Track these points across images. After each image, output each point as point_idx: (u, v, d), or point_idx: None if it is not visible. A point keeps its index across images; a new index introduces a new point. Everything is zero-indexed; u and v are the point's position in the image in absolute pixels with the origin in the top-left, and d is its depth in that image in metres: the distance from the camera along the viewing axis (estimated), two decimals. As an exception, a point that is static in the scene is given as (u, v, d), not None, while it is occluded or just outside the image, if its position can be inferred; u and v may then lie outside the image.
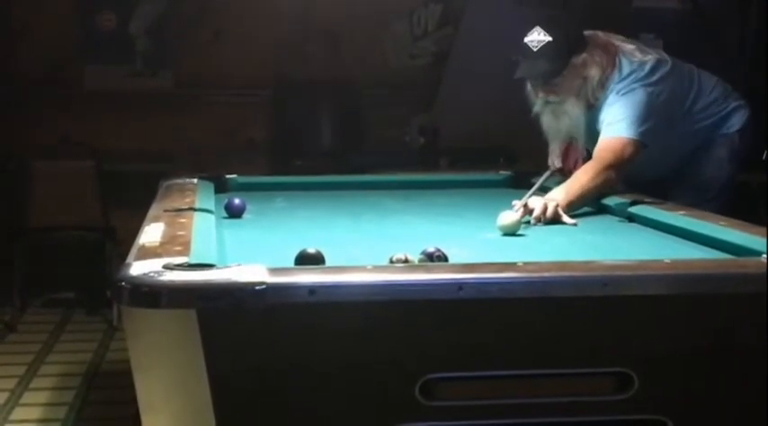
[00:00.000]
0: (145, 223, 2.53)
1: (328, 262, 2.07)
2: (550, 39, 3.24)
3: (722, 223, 2.52)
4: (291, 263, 2.06)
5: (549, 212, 2.87)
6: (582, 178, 3.10)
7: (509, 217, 2.72)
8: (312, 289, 1.80)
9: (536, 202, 2.91)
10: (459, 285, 1.84)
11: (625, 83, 3.29)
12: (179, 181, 3.45)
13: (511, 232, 2.69)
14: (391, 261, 2.08)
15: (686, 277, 1.96)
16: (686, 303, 1.92)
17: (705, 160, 3.53)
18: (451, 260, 2.13)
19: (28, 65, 5.90)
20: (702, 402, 1.96)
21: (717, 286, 1.94)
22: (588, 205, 3.11)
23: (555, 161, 3.47)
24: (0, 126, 5.67)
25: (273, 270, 1.84)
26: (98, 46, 6.04)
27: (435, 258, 2.11)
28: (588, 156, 3.35)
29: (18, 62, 5.92)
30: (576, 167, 3.46)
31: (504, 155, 5.45)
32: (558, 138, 3.44)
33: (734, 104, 3.57)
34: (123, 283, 1.84)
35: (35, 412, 4.01)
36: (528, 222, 2.84)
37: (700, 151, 3.53)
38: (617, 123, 3.22)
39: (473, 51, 5.99)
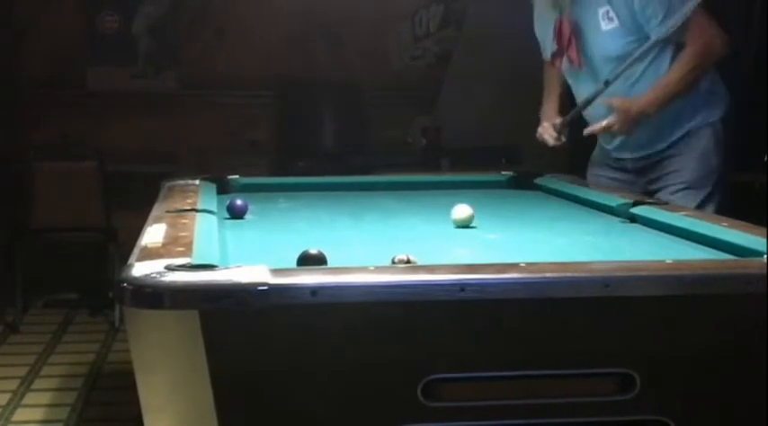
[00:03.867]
0: (147, 224, 2.53)
1: (330, 263, 2.07)
2: None
3: (724, 224, 2.51)
4: (293, 264, 2.06)
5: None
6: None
7: (463, 210, 2.81)
8: (314, 290, 1.80)
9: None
10: (461, 286, 1.84)
11: None
12: (181, 182, 3.46)
13: (464, 225, 2.79)
14: (393, 262, 2.08)
15: (688, 278, 1.95)
16: (688, 304, 1.92)
17: (690, 154, 3.52)
18: (454, 260, 2.12)
19: (31, 66, 5.92)
20: (705, 403, 1.96)
21: (719, 287, 1.94)
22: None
23: (547, 49, 3.59)
24: (3, 126, 5.68)
25: (276, 271, 1.84)
26: (101, 47, 6.05)
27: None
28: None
29: (21, 63, 5.93)
30: (569, 45, 3.51)
31: (506, 156, 5.45)
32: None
33: (720, 88, 3.57)
34: (126, 284, 1.84)
35: (37, 413, 4.01)
36: None
37: (682, 145, 3.53)
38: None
39: (475, 52, 5.99)
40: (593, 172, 3.79)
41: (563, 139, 3.61)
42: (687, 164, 3.51)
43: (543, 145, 3.68)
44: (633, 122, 3.39)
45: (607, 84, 3.40)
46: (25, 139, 5.84)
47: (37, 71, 5.91)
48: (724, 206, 3.40)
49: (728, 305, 1.93)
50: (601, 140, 3.70)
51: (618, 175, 3.67)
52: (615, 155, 3.67)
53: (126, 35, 6.07)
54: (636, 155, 3.59)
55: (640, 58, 3.36)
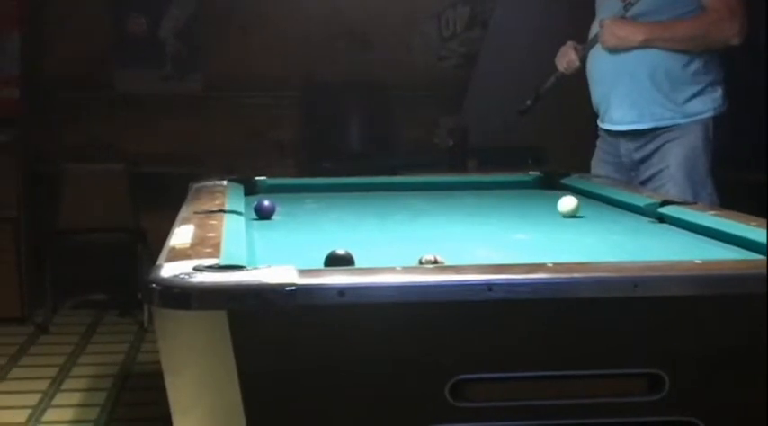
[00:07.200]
0: (175, 225, 2.54)
1: (358, 264, 2.08)
2: None
3: (753, 223, 2.50)
4: (321, 265, 2.06)
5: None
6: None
7: (569, 202, 2.95)
8: (342, 291, 1.80)
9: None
10: (489, 286, 1.84)
11: None
12: (209, 183, 3.47)
13: (571, 215, 2.94)
14: (421, 263, 2.07)
15: (717, 277, 1.94)
16: (717, 304, 1.91)
17: (678, 149, 3.55)
18: (481, 261, 2.12)
19: (59, 68, 5.95)
20: (734, 403, 1.95)
21: (748, 286, 1.92)
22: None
23: None
24: (32, 129, 5.72)
25: (303, 272, 1.84)
26: (128, 50, 6.09)
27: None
28: None
29: (50, 65, 5.97)
30: None
31: (533, 156, 5.44)
32: None
33: (720, 86, 3.60)
34: (154, 285, 1.85)
35: (67, 413, 4.04)
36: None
37: (671, 142, 3.58)
38: None
39: (502, 52, 5.98)
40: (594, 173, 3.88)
41: (578, 64, 3.84)
42: (674, 161, 3.55)
43: (555, 67, 3.90)
44: (619, 31, 3.61)
45: (627, 7, 3.58)
46: (54, 141, 5.88)
47: (65, 73, 5.95)
48: (726, 205, 3.41)
49: (758, 304, 1.92)
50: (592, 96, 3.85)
51: (616, 176, 3.75)
52: (606, 127, 3.75)
53: (153, 37, 6.10)
54: (624, 127, 3.68)
55: None
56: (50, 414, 4.03)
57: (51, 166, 5.59)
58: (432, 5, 6.25)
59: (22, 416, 3.96)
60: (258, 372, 1.81)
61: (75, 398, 4.24)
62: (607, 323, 1.90)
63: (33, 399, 4.17)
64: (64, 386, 4.39)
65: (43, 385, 4.37)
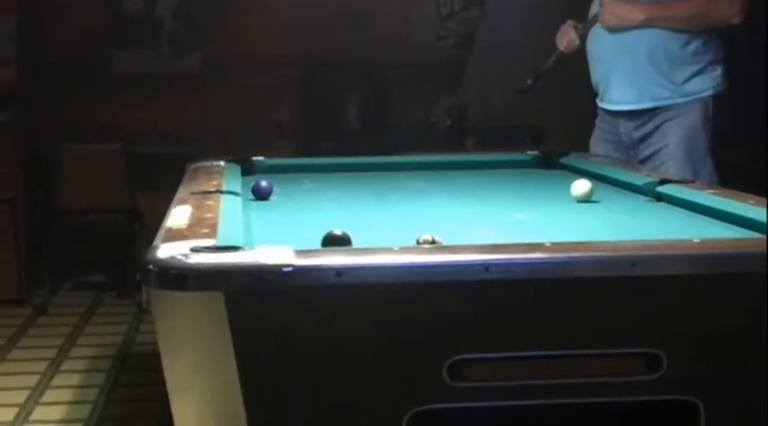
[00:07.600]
0: (172, 205, 2.54)
1: (355, 244, 2.07)
2: None
3: (751, 201, 2.49)
4: (318, 245, 2.06)
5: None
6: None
7: (582, 186, 2.83)
8: (339, 271, 1.80)
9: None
10: (486, 266, 1.84)
11: None
12: (206, 163, 3.46)
13: (585, 199, 2.82)
14: (418, 243, 2.07)
15: (715, 256, 1.94)
16: (715, 283, 1.91)
17: (677, 128, 3.55)
18: (479, 241, 2.11)
19: (57, 49, 5.93)
20: (734, 383, 1.95)
21: (747, 265, 1.92)
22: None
23: None
24: (30, 109, 5.71)
25: (300, 252, 1.84)
26: (125, 30, 6.06)
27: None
28: None
29: (48, 46, 5.95)
30: None
31: (532, 135, 5.43)
32: None
33: (720, 65, 3.58)
34: (151, 266, 1.84)
35: (66, 395, 4.05)
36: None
37: (671, 122, 3.58)
38: None
39: (500, 31, 5.96)
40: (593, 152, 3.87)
41: (578, 43, 3.83)
42: (673, 140, 3.55)
43: (555, 46, 3.90)
44: (619, 10, 3.62)
45: None
46: (52, 122, 5.87)
47: (63, 53, 5.93)
48: (726, 185, 3.41)
49: (757, 283, 1.91)
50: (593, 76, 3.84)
51: (615, 155, 3.74)
52: (605, 106, 3.75)
53: (150, 17, 6.07)
54: (623, 107, 3.68)
55: None
56: (49, 395, 4.04)
57: (49, 147, 5.59)
58: (430, -16, 6.23)
59: (20, 397, 3.97)
60: (255, 353, 1.81)
61: (74, 379, 4.24)
62: (605, 303, 1.89)
63: (32, 380, 4.18)
64: (62, 368, 4.39)
65: (42, 366, 4.38)
